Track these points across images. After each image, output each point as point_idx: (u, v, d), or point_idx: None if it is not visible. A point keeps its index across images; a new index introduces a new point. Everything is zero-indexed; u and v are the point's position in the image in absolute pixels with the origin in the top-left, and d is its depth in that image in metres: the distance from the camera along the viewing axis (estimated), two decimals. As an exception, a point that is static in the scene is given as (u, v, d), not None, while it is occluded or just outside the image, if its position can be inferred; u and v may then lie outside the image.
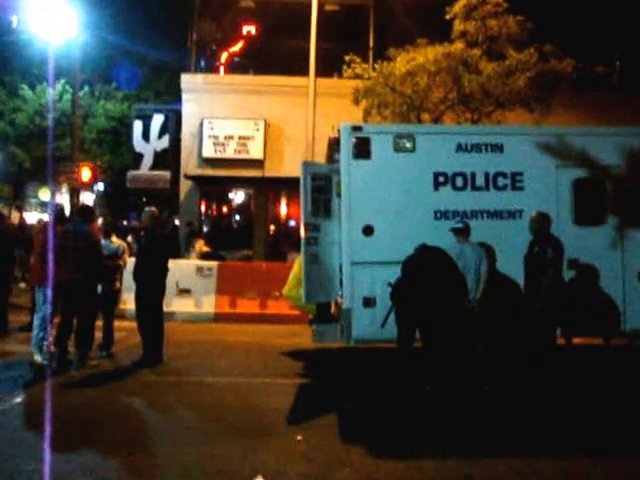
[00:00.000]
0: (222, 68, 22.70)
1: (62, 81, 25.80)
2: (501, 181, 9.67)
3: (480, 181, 9.66)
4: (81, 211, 10.72)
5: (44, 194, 27.16)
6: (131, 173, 22.62)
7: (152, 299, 9.87)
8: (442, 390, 8.10)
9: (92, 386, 8.69)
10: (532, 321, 8.59)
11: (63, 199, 23.92)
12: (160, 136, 22.48)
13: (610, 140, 9.95)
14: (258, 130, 20.75)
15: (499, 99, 15.82)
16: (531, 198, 9.59)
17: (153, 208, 10.54)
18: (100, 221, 13.52)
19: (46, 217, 14.38)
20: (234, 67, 22.56)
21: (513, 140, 9.82)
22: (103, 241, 10.29)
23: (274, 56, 21.83)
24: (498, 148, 9.71)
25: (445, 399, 7.96)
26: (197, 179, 21.12)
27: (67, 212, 11.82)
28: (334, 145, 10.23)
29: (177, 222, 17.59)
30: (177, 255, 16.21)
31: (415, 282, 8.33)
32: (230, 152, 20.73)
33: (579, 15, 18.67)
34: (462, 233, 8.97)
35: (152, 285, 9.88)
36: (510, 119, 16.13)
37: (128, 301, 11.48)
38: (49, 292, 9.36)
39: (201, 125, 20.86)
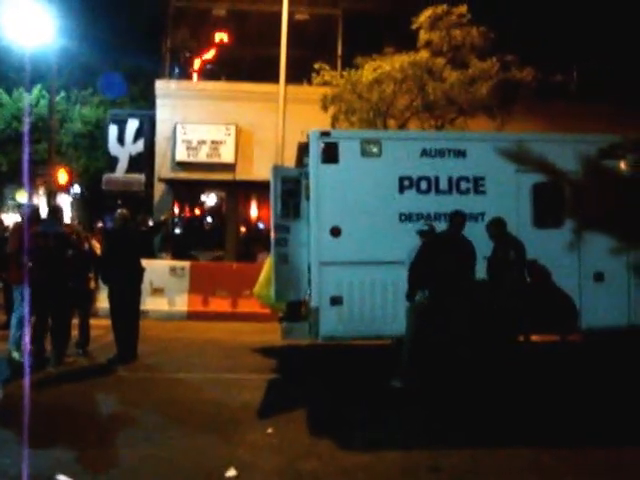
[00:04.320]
0: (195, 75, 22.76)
1: (39, 86, 25.70)
2: (464, 185, 9.88)
3: (444, 185, 9.85)
4: (51, 212, 10.68)
5: (21, 196, 27.10)
6: (107, 176, 22.65)
7: (126, 297, 9.97)
8: (411, 385, 8.33)
9: (68, 383, 8.81)
10: (497, 321, 8.74)
11: (40, 201, 23.95)
12: (135, 140, 22.60)
13: (567, 146, 10.20)
14: (230, 135, 20.91)
15: (462, 106, 16.09)
16: (492, 202, 9.79)
17: (124, 210, 10.61)
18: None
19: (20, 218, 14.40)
20: (207, 74, 22.62)
21: (475, 146, 10.04)
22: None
23: (245, 63, 22.02)
24: (461, 153, 9.92)
25: (413, 393, 8.20)
26: (171, 182, 21.25)
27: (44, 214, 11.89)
28: (303, 150, 10.36)
29: (151, 223, 17.79)
30: (152, 255, 16.36)
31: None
32: (202, 156, 20.87)
33: (539, 26, 19.01)
34: (427, 236, 9.11)
35: (125, 283, 9.99)
36: (472, 126, 16.34)
37: (102, 299, 11.65)
38: (26, 291, 9.43)
39: (174, 130, 20.99)
